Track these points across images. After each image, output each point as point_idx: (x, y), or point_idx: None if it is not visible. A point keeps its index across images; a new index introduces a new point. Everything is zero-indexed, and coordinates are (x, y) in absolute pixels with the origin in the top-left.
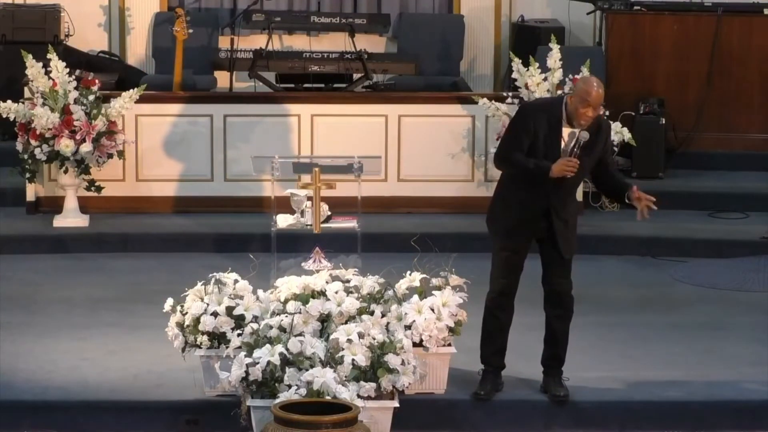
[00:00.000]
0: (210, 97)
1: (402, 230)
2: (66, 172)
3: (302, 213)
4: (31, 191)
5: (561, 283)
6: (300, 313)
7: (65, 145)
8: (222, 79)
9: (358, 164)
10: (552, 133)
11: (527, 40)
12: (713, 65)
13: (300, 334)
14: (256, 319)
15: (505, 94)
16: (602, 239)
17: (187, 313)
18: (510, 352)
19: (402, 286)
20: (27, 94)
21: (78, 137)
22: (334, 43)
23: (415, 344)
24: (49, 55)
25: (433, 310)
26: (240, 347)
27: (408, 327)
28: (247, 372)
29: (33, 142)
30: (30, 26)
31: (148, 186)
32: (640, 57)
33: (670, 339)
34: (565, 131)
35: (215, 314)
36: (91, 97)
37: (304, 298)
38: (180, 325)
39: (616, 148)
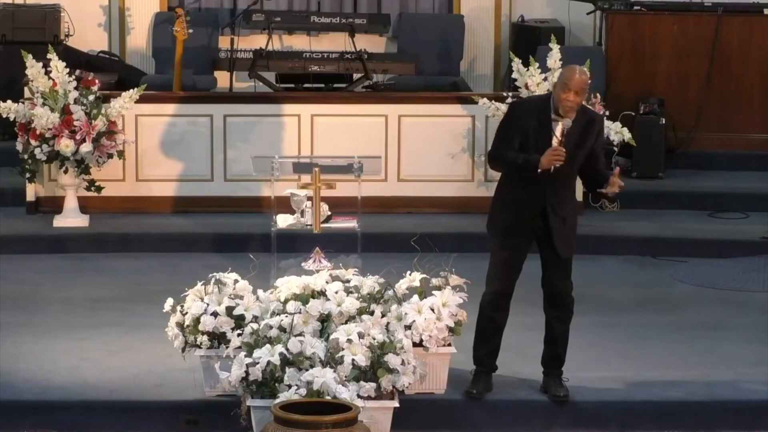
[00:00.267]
0: (210, 97)
1: (402, 230)
2: (66, 172)
3: (302, 213)
4: (31, 191)
5: (561, 285)
6: (300, 313)
7: (65, 145)
8: (222, 79)
9: (358, 164)
10: (542, 127)
11: (527, 40)
12: (713, 65)
13: (300, 334)
14: (256, 319)
15: (505, 94)
16: (602, 239)
17: (187, 313)
18: (509, 352)
19: (402, 286)
20: (27, 94)
21: (78, 137)
22: (334, 43)
23: (415, 344)
24: (49, 55)
25: (433, 310)
26: (240, 347)
27: (408, 327)
28: (247, 372)
29: (33, 142)
30: (30, 26)
31: (148, 186)
32: (640, 57)
33: (670, 339)
34: (555, 125)
35: (215, 314)
36: (91, 97)
37: (304, 298)
38: (180, 325)
39: (616, 148)
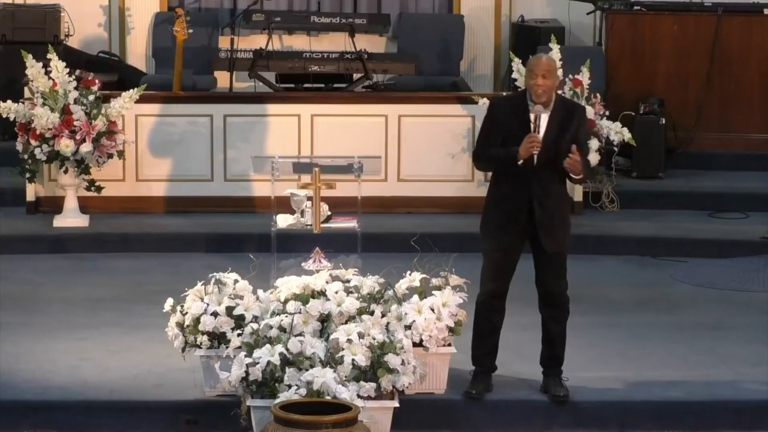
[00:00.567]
0: (210, 97)
1: (402, 230)
2: (66, 172)
3: (302, 213)
4: (31, 191)
5: (554, 284)
6: (300, 313)
7: (65, 145)
8: (222, 79)
9: (358, 164)
10: (520, 121)
11: (527, 40)
12: (713, 65)
13: (300, 334)
14: (256, 319)
15: (505, 94)
16: (602, 239)
17: (187, 313)
18: (508, 352)
19: (402, 286)
20: (27, 94)
21: (78, 137)
22: (334, 43)
23: (415, 344)
24: (49, 55)
25: (433, 310)
26: (240, 347)
27: (408, 327)
28: (247, 372)
29: (33, 142)
30: (30, 26)
31: (148, 186)
32: (640, 57)
33: (670, 339)
34: (532, 117)
35: (215, 314)
36: (91, 97)
37: (304, 298)
38: (180, 325)
39: (616, 148)
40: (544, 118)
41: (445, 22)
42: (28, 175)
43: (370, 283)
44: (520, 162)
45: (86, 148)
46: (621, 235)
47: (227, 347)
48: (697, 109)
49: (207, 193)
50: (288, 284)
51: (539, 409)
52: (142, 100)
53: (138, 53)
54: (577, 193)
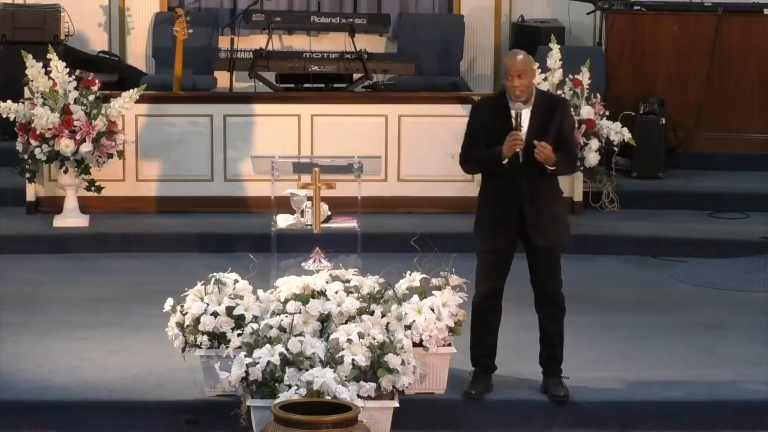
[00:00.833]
0: (210, 97)
1: (402, 230)
2: (66, 172)
3: (302, 213)
4: (31, 191)
5: (548, 284)
6: (300, 313)
7: (65, 145)
8: (222, 79)
9: (358, 164)
10: (501, 121)
11: (527, 40)
12: (713, 65)
13: (300, 334)
14: (256, 319)
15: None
16: (602, 239)
17: (187, 313)
18: (508, 352)
19: (402, 286)
20: (27, 94)
21: (78, 137)
22: (334, 43)
23: (415, 344)
24: (49, 55)
25: (433, 310)
26: (240, 347)
27: (408, 327)
28: (247, 372)
29: (33, 142)
30: (30, 26)
31: (148, 186)
32: (640, 57)
33: (670, 339)
34: (513, 114)
35: (215, 314)
36: (91, 97)
37: (304, 298)
38: (180, 325)
39: (616, 148)
40: (526, 115)
41: (445, 22)
42: (28, 175)
43: (370, 283)
44: (504, 161)
45: (86, 148)
46: (621, 235)
47: (227, 347)
48: (697, 109)
49: (207, 193)
50: (288, 284)
51: (539, 409)
52: (142, 100)
53: (138, 53)
54: (577, 193)
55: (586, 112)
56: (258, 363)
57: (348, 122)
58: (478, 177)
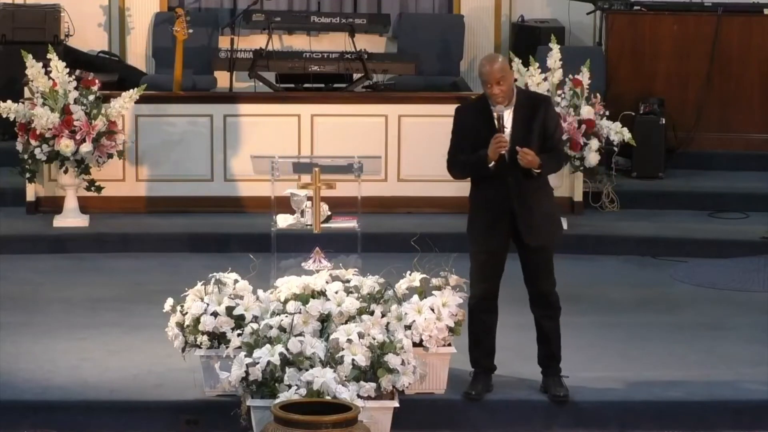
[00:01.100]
0: (210, 97)
1: (402, 230)
2: (66, 172)
3: (302, 213)
4: (31, 191)
5: (543, 284)
6: (300, 313)
7: (65, 145)
8: (222, 79)
9: (358, 164)
10: (485, 124)
11: (527, 40)
12: (713, 65)
13: (300, 334)
14: (256, 319)
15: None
16: (602, 239)
17: (187, 313)
18: (508, 352)
19: (402, 286)
20: (27, 94)
21: (78, 137)
22: (334, 43)
23: (415, 344)
24: (49, 55)
25: (433, 310)
26: (240, 347)
27: (408, 327)
28: (247, 372)
29: (33, 142)
30: (30, 26)
31: (148, 186)
32: (640, 57)
33: (670, 339)
34: (495, 116)
35: (215, 314)
36: (91, 97)
37: (304, 298)
38: (180, 325)
39: (616, 148)
40: (508, 116)
41: (445, 22)
42: (28, 175)
43: (370, 283)
44: (491, 164)
45: (86, 148)
46: (621, 235)
47: (227, 347)
48: (697, 109)
49: (207, 193)
50: (288, 284)
51: (539, 409)
52: (142, 100)
53: (138, 53)
54: (577, 193)
55: (586, 112)
56: (258, 363)
57: (348, 122)
58: None
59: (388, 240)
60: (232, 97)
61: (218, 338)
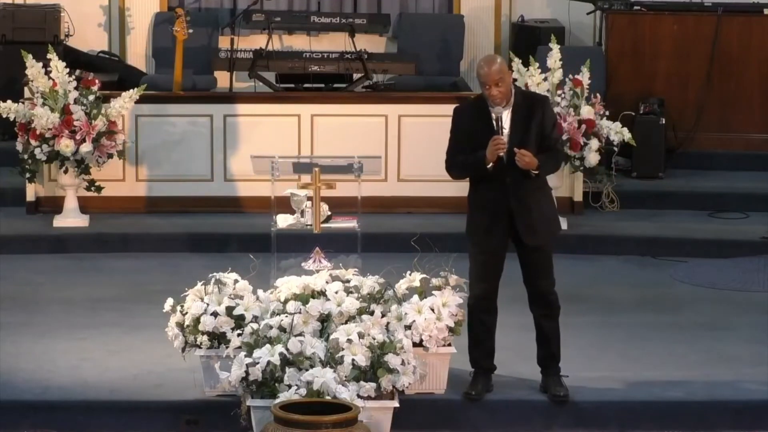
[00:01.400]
0: (210, 97)
1: (402, 230)
2: (66, 172)
3: (302, 213)
4: (31, 191)
5: (542, 283)
6: (300, 313)
7: (65, 145)
8: (222, 79)
9: (358, 164)
10: (483, 125)
11: (527, 40)
12: (713, 65)
13: (300, 334)
14: (256, 319)
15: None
16: (602, 239)
17: (187, 313)
18: (508, 352)
19: (402, 286)
20: (27, 94)
21: (78, 137)
22: (334, 43)
23: (415, 344)
24: (49, 55)
25: (433, 310)
26: (240, 347)
27: (408, 327)
28: (247, 372)
29: (33, 142)
30: (30, 26)
31: (148, 186)
32: (640, 57)
33: (670, 339)
34: (493, 117)
35: (215, 314)
36: (91, 97)
37: (304, 298)
38: (180, 325)
39: (616, 148)
40: (506, 117)
41: (445, 22)
42: (28, 175)
43: (370, 283)
44: (489, 166)
45: (86, 148)
46: (621, 235)
47: (227, 347)
48: (697, 109)
49: (207, 193)
50: (288, 284)
51: (539, 409)
52: (142, 100)
53: (138, 53)
54: (577, 193)
55: (586, 112)
56: (258, 363)
57: (348, 122)
58: None
59: (388, 240)
60: (232, 97)
61: (218, 338)
